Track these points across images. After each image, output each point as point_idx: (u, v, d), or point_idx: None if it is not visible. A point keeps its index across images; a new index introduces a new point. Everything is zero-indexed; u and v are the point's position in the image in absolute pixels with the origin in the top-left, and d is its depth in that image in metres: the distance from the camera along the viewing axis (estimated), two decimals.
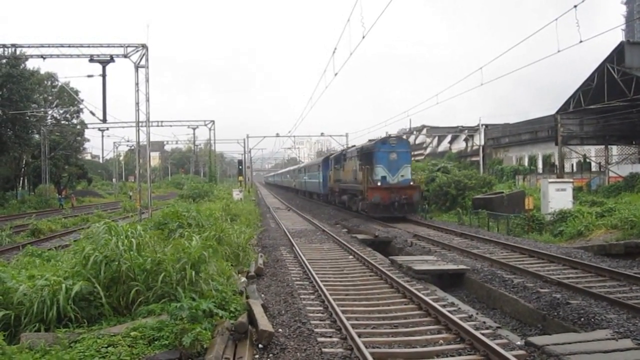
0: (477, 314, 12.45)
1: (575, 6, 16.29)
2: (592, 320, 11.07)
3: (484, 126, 63.24)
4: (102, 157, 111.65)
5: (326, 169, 50.69)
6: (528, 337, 10.40)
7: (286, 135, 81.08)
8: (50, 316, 8.83)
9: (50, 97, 69.15)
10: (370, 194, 32.91)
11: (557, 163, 44.44)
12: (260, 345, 9.43)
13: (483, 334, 9.85)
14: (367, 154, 35.26)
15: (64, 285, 9.20)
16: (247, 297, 11.77)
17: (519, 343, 9.86)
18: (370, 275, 16.54)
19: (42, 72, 63.61)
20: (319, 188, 54.84)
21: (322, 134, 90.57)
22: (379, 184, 33.11)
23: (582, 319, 11.21)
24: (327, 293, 13.27)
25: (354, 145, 42.49)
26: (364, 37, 20.31)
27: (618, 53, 36.18)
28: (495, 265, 16.79)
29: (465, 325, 10.31)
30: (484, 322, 11.35)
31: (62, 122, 70.63)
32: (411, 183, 34.67)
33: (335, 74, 27.23)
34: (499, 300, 14.31)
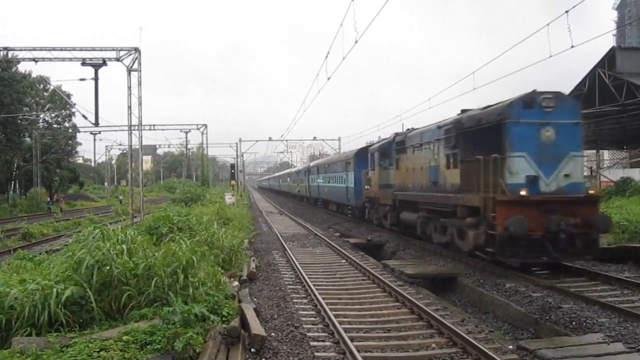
0: (469, 317, 12.49)
1: (566, 11, 16.39)
2: (584, 324, 11.11)
3: None
4: (94, 161, 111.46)
5: (361, 166, 33.18)
6: (520, 341, 10.43)
7: (278, 139, 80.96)
8: (42, 320, 8.78)
9: (42, 101, 69.01)
10: (502, 213, 15.53)
11: None
12: (252, 350, 9.42)
13: (475, 338, 9.88)
14: (484, 131, 17.27)
15: (55, 290, 9.16)
16: (240, 301, 11.75)
17: (511, 347, 9.89)
18: (363, 279, 16.54)
19: (34, 75, 63.64)
20: (345, 197, 37.30)
21: (314, 138, 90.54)
22: (522, 192, 15.67)
23: (574, 323, 11.25)
24: (319, 297, 13.26)
25: (412, 128, 24.98)
26: (356, 42, 20.34)
27: (609, 58, 36.40)
28: (487, 270, 16.81)
29: (457, 329, 10.33)
30: (476, 326, 11.38)
31: (54, 125, 70.48)
32: (590, 191, 16.99)
33: (328, 78, 27.20)
34: (490, 304, 14.34)
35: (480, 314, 14.21)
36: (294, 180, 71.57)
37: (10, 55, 33.75)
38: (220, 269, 13.89)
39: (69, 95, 63.54)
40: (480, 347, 9.15)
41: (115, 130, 65.91)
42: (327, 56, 25.27)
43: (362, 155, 33.99)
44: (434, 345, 10.03)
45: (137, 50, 30.77)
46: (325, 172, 46.22)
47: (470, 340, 9.58)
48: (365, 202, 32.01)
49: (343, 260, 20.12)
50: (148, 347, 8.20)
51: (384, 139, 31.86)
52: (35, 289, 9.22)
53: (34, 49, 31.57)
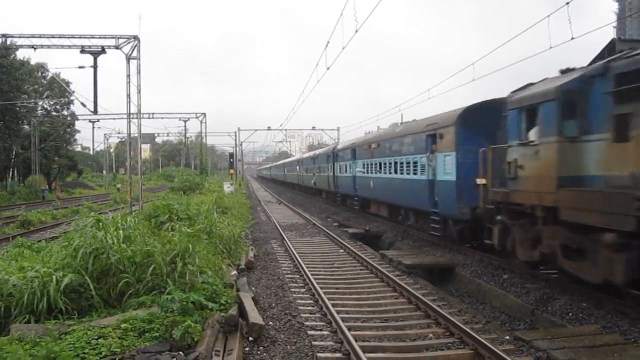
0: (466, 308, 12.55)
1: (567, 3, 16.30)
2: (580, 315, 11.17)
3: None
4: (93, 149, 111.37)
5: (470, 140, 17.99)
6: (516, 332, 10.49)
7: (277, 128, 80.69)
8: (40, 308, 8.79)
9: (40, 88, 68.72)
10: None
11: None
12: (250, 338, 9.48)
13: (472, 328, 9.93)
14: None
15: (54, 277, 9.17)
16: (238, 290, 11.80)
17: (507, 337, 9.94)
18: (361, 269, 16.59)
19: (33, 62, 63.25)
20: (427, 199, 21.20)
21: (313, 128, 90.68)
22: None
23: (570, 314, 11.31)
24: (317, 286, 13.31)
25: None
26: (356, 31, 20.26)
27: (609, 50, 36.27)
28: (484, 260, 16.85)
29: (454, 319, 10.37)
30: (474, 317, 11.44)
31: (53, 113, 70.20)
32: None
33: (328, 68, 27.04)
34: (488, 294, 14.39)
35: (478, 305, 14.27)
36: (308, 168, 55.69)
37: (8, 42, 33.64)
38: (219, 256, 13.94)
39: (67, 83, 63.52)
40: (477, 337, 9.19)
41: (114, 119, 65.85)
42: (326, 46, 25.16)
43: (471, 119, 18.48)
44: (431, 335, 10.08)
45: (136, 38, 30.64)
46: (376, 154, 28.41)
47: (467, 330, 9.63)
48: (484, 211, 16.10)
49: (341, 250, 20.17)
50: (146, 334, 8.22)
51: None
52: (34, 277, 9.22)
53: (33, 36, 31.44)
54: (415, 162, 22.38)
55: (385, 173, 26.75)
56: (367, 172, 30.05)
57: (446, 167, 18.91)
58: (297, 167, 64.76)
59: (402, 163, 24.13)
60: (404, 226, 25.38)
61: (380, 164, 27.70)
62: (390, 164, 25.93)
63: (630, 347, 9.17)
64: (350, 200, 36.61)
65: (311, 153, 60.70)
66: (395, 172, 24.86)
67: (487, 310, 13.62)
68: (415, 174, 22.35)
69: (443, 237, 19.99)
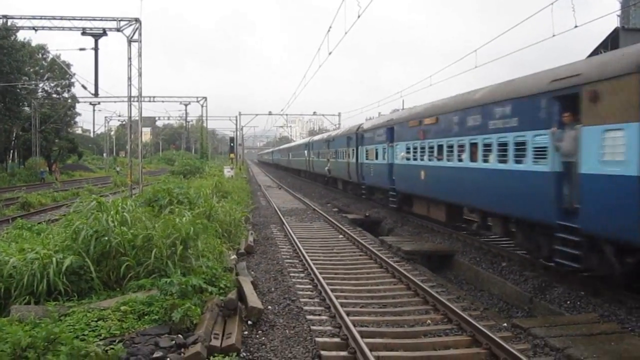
0: (465, 295, 12.60)
1: None
2: (578, 303, 11.21)
3: None
4: (93, 132, 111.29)
5: None
6: (514, 319, 10.53)
7: (278, 113, 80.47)
8: (40, 289, 8.84)
9: (41, 70, 68.58)
10: None
11: None
12: (249, 322, 9.52)
13: (470, 315, 9.97)
14: None
15: (54, 259, 9.21)
16: (237, 274, 11.83)
17: (505, 325, 9.98)
18: (360, 255, 16.62)
19: (33, 44, 63.03)
20: (544, 207, 12.88)
21: (314, 113, 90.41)
22: None
23: (568, 302, 11.35)
24: (316, 271, 13.34)
25: None
26: (359, 17, 20.18)
27: (612, 39, 36.16)
28: (483, 248, 16.88)
29: (452, 306, 10.41)
30: (472, 304, 11.48)
31: (53, 95, 70.10)
32: None
33: (330, 53, 27.02)
34: (486, 282, 14.44)
35: (476, 292, 14.34)
36: (320, 153, 46.41)
37: (9, 24, 33.48)
38: (219, 241, 13.97)
39: (68, 65, 63.24)
40: (475, 323, 9.23)
41: (115, 101, 65.38)
42: (329, 31, 25.07)
43: None
44: (429, 321, 10.12)
45: (137, 20, 30.48)
46: (434, 133, 20.49)
47: (465, 317, 9.67)
48: None
49: (341, 236, 20.19)
50: (146, 317, 8.28)
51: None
52: (35, 258, 9.27)
53: (34, 18, 31.28)
54: (522, 143, 13.95)
55: (449, 160, 18.57)
56: (416, 159, 22.04)
57: (611, 150, 10.94)
58: (306, 152, 55.19)
59: (489, 145, 15.71)
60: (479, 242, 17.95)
61: (440, 147, 19.45)
62: (461, 147, 17.70)
63: (628, 335, 9.21)
64: (381, 194, 28.56)
65: (324, 135, 50.59)
66: (474, 159, 16.60)
67: (485, 298, 13.69)
68: (521, 161, 13.98)
69: (590, 274, 12.28)
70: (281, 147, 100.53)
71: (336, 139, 40.38)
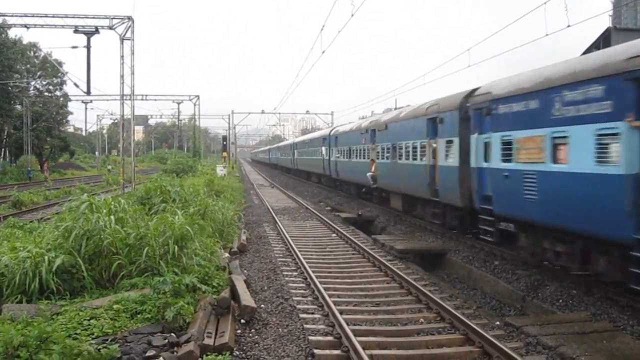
0: (458, 293, 12.62)
1: None
2: (570, 302, 11.25)
3: None
4: (85, 130, 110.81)
5: None
6: (507, 318, 10.56)
7: (271, 112, 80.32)
8: (33, 288, 8.80)
9: (33, 68, 68.22)
10: None
11: None
12: (242, 321, 9.51)
13: (463, 314, 9.99)
14: None
15: (46, 258, 9.17)
16: (230, 273, 11.82)
17: (498, 323, 10.01)
18: (353, 254, 16.62)
19: (25, 42, 62.73)
20: None
21: (307, 112, 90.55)
22: None
23: (560, 301, 11.39)
24: (309, 270, 13.34)
25: None
26: (352, 15, 20.17)
27: (604, 39, 36.27)
28: (476, 247, 16.91)
29: (445, 304, 10.43)
30: (465, 302, 11.50)
31: (45, 93, 69.74)
32: None
33: (323, 52, 27.03)
34: (479, 280, 14.47)
35: (469, 290, 14.36)
36: (352, 151, 32.53)
37: (1, 21, 33.32)
38: (212, 239, 13.95)
39: (60, 63, 62.93)
40: (468, 322, 9.25)
41: (107, 100, 65.37)
42: (322, 29, 25.09)
43: None
44: (422, 319, 10.14)
45: (130, 18, 30.37)
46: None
47: (458, 315, 9.69)
48: None
49: (334, 234, 20.19)
50: (138, 316, 8.26)
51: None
52: (27, 257, 9.22)
53: (26, 15, 31.11)
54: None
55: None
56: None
57: None
58: (323, 149, 42.05)
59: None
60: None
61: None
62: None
63: (620, 334, 9.25)
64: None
65: (360, 122, 35.78)
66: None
67: (478, 296, 13.71)
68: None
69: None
70: (282, 144, 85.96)
71: (402, 125, 24.45)
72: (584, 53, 36.04)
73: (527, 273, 13.51)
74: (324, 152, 40.62)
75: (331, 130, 38.83)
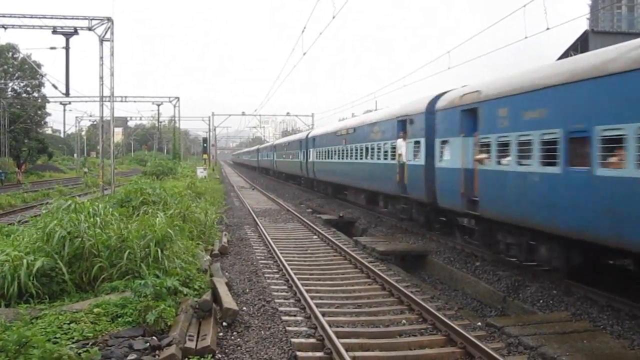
0: (439, 294, 12.67)
1: None
2: (551, 302, 11.34)
3: None
4: (64, 132, 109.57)
5: None
6: (488, 318, 10.62)
7: (252, 114, 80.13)
8: (11, 292, 8.69)
9: (11, 69, 67.43)
10: None
11: None
12: (224, 323, 9.47)
13: (445, 315, 10.03)
14: None
15: (25, 261, 9.04)
16: (212, 276, 11.77)
17: (479, 324, 10.06)
18: (335, 256, 16.62)
19: (2, 43, 61.93)
20: None
21: (287, 114, 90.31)
22: None
23: (541, 301, 11.48)
24: (291, 272, 13.32)
25: None
26: (334, 17, 20.23)
27: (582, 42, 36.69)
28: (457, 248, 17.00)
29: (427, 305, 10.46)
30: (446, 303, 11.55)
31: (23, 95, 68.99)
32: None
33: (304, 54, 27.03)
34: (460, 281, 14.54)
35: (450, 291, 14.44)
36: (378, 150, 23.54)
37: None
38: (193, 242, 13.87)
39: (39, 65, 62.31)
40: (450, 323, 9.29)
41: (86, 101, 64.35)
42: (303, 31, 25.08)
43: None
44: (404, 321, 10.16)
45: (109, 19, 30.09)
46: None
47: (440, 316, 9.72)
48: None
49: (315, 237, 20.18)
50: (119, 319, 8.19)
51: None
52: (5, 260, 9.10)
53: (3, 16, 30.63)
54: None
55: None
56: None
57: None
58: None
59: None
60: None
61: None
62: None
63: (599, 333, 9.35)
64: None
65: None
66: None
67: (459, 297, 13.79)
68: None
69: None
70: (269, 144, 77.62)
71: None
72: (562, 56, 36.53)
73: (508, 274, 13.60)
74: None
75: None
